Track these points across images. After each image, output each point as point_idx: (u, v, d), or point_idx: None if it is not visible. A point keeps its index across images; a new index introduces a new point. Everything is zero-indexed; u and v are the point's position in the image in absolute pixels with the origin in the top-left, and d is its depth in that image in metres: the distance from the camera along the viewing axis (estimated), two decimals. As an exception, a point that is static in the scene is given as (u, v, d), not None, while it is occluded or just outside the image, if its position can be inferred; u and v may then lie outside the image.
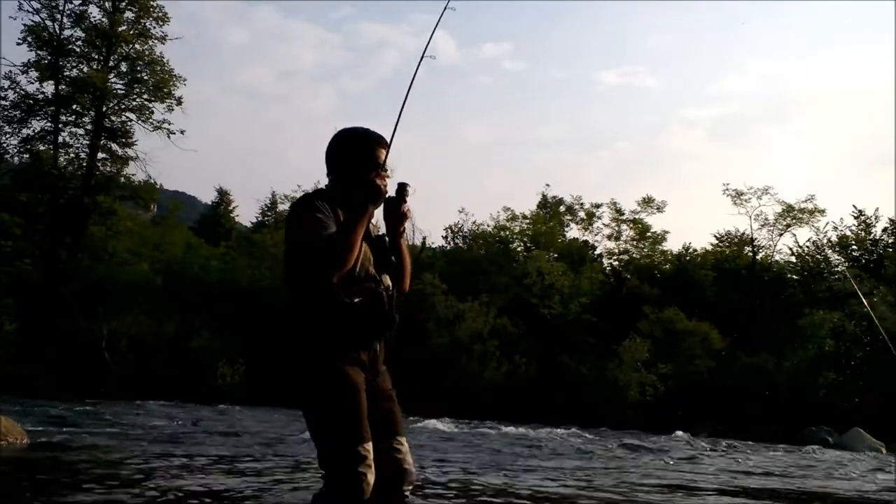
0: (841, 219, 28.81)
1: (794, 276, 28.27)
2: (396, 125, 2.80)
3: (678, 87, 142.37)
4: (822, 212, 27.78)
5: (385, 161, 2.74)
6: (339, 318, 2.56)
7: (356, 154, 2.74)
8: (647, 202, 29.59)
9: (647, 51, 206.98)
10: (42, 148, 25.35)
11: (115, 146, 26.08)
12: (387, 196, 2.66)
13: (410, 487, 2.75)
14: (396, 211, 2.71)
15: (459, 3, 3.06)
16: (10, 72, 25.04)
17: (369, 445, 2.52)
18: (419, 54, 2.95)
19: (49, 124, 25.61)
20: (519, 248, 29.65)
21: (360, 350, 2.64)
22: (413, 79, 2.92)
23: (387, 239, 2.79)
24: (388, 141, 2.78)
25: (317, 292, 2.55)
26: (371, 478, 2.49)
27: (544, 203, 32.15)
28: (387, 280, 2.73)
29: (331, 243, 2.46)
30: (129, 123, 26.08)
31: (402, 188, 2.70)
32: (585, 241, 30.60)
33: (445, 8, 3.06)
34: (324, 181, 2.87)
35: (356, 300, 2.57)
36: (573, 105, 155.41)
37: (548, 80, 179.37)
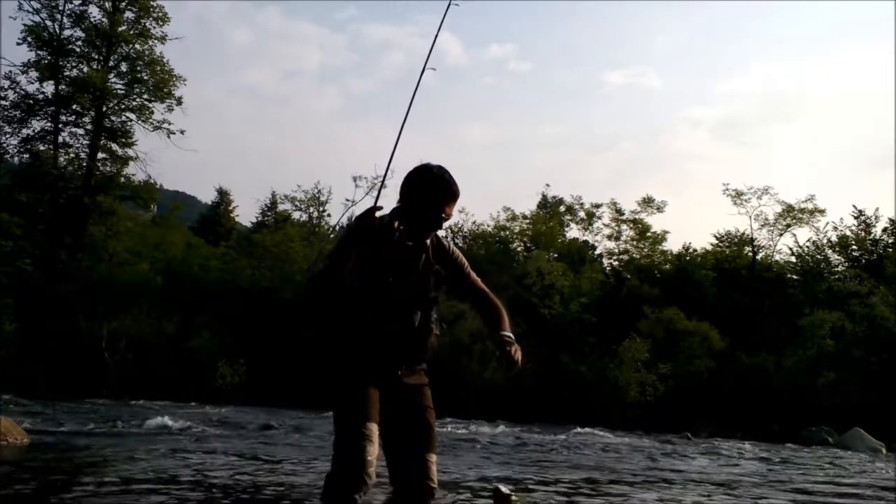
0: (841, 219, 28.91)
1: (795, 277, 28.28)
2: (399, 137, 2.93)
3: (683, 88, 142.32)
4: (822, 212, 27.86)
5: (450, 214, 2.83)
6: (348, 345, 2.83)
7: (426, 197, 2.79)
8: (647, 202, 29.62)
9: (653, 51, 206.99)
10: (42, 148, 25.35)
11: (115, 146, 26.09)
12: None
13: (431, 502, 2.84)
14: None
15: (465, 3, 3.05)
16: (10, 72, 25.08)
17: (372, 426, 2.67)
18: (424, 55, 2.98)
19: (49, 124, 25.61)
20: (519, 248, 29.66)
21: (372, 373, 2.80)
22: (416, 90, 3.00)
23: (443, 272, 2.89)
24: (393, 149, 2.95)
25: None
26: (372, 450, 2.62)
27: (544, 203, 32.17)
28: (416, 317, 2.82)
29: (321, 271, 2.76)
30: (129, 123, 26.10)
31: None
32: (585, 241, 30.63)
33: (448, 7, 3.09)
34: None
35: (354, 335, 2.79)
36: (578, 106, 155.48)
37: (553, 80, 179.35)
